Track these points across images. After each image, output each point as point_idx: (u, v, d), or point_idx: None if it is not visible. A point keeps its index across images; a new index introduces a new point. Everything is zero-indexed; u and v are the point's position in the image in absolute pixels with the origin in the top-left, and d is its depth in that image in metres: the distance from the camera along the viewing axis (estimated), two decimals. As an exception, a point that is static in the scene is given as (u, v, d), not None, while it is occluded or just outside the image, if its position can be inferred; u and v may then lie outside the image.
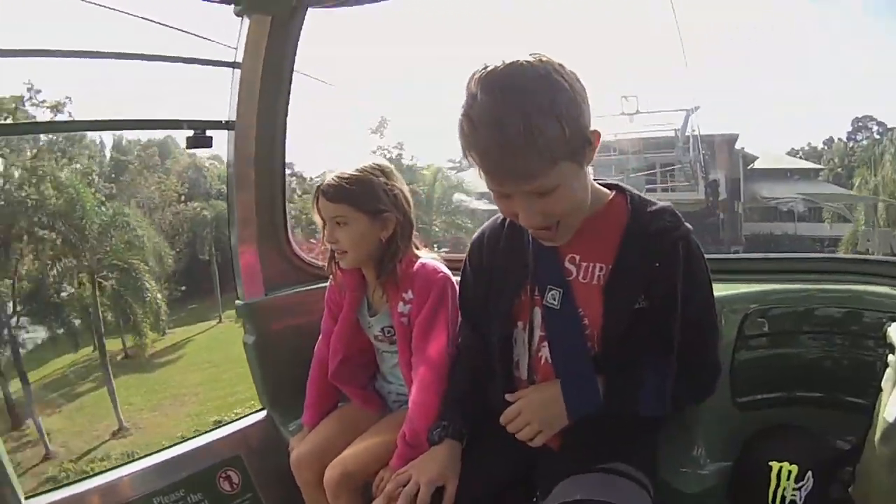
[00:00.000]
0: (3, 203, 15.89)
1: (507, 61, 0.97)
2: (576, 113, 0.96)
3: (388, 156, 19.01)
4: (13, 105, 15.64)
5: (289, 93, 1.87)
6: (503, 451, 1.20)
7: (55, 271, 16.07)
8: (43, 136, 17.28)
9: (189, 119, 1.70)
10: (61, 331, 16.52)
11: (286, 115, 1.89)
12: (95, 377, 16.92)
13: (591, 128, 1.00)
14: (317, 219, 1.50)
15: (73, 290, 16.34)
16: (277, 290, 1.94)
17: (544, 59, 0.97)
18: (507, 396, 1.17)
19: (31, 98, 16.34)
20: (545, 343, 1.17)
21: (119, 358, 17.33)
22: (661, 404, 1.13)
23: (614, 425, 1.13)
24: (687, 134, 17.75)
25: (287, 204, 1.97)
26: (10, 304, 15.78)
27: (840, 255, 1.52)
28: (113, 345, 17.21)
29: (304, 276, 1.99)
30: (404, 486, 1.17)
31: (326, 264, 1.58)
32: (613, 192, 1.16)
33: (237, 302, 1.92)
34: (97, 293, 16.11)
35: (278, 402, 1.88)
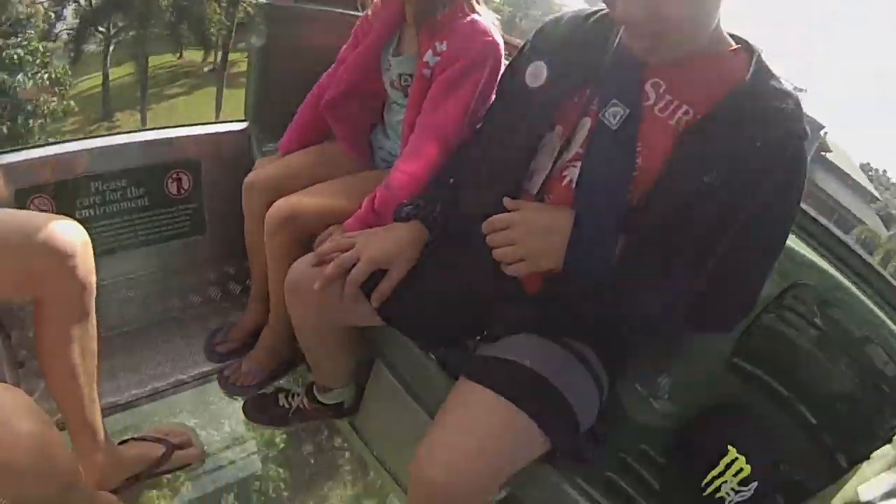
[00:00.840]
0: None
1: None
2: None
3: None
4: None
5: None
6: (471, 263, 0.98)
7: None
8: None
9: None
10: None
11: None
12: (184, 83, 17.54)
13: None
14: None
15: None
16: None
17: None
18: (507, 202, 0.92)
19: None
20: (577, 163, 0.90)
21: (206, 70, 17.77)
22: (671, 313, 0.88)
23: (610, 301, 0.88)
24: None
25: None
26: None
27: None
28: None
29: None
30: (344, 251, 0.99)
31: None
32: (738, 46, 0.87)
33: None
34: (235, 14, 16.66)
35: (262, 118, 1.66)
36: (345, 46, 1.41)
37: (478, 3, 1.24)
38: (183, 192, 1.65)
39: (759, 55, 0.86)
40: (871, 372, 1.11)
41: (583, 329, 0.94)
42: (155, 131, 1.63)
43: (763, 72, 0.85)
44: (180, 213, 1.67)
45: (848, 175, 19.31)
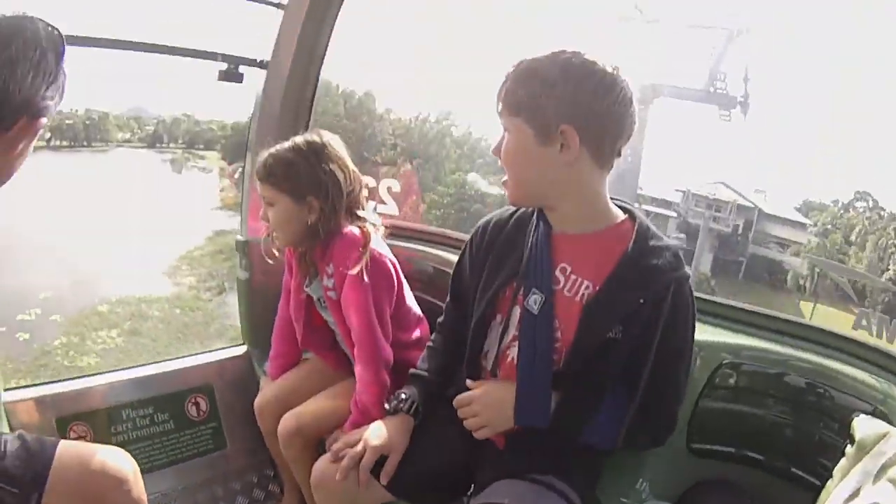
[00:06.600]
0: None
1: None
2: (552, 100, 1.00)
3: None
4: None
5: (328, 42, 1.79)
6: (452, 435, 1.19)
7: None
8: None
9: (224, 52, 1.64)
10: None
11: (321, 64, 1.81)
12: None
13: (566, 126, 1.00)
14: None
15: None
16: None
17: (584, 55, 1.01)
18: (468, 383, 1.17)
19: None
20: (515, 343, 1.14)
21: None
22: (609, 439, 1.11)
23: (559, 440, 1.12)
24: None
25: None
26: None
27: (821, 325, 1.45)
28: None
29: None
30: (352, 446, 1.18)
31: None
32: (625, 217, 1.12)
33: (237, 237, 1.88)
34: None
35: (258, 342, 1.87)
36: (284, 276, 1.61)
37: (358, 208, 1.45)
38: (202, 413, 1.82)
39: (640, 221, 1.10)
40: (801, 399, 1.30)
41: (545, 465, 1.13)
42: (163, 363, 1.84)
43: (643, 235, 1.08)
44: (202, 432, 1.82)
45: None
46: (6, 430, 1.43)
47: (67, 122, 15.37)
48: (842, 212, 15.02)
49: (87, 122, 15.89)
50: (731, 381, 1.34)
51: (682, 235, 14.20)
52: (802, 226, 15.16)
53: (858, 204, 15.00)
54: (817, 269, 13.89)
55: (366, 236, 1.41)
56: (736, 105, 14.47)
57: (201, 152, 16.95)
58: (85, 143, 15.91)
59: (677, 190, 15.25)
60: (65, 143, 15.68)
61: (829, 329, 1.39)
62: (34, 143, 0.95)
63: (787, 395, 1.32)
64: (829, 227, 14.78)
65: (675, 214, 14.94)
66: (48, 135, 14.68)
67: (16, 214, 9.62)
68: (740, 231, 15.12)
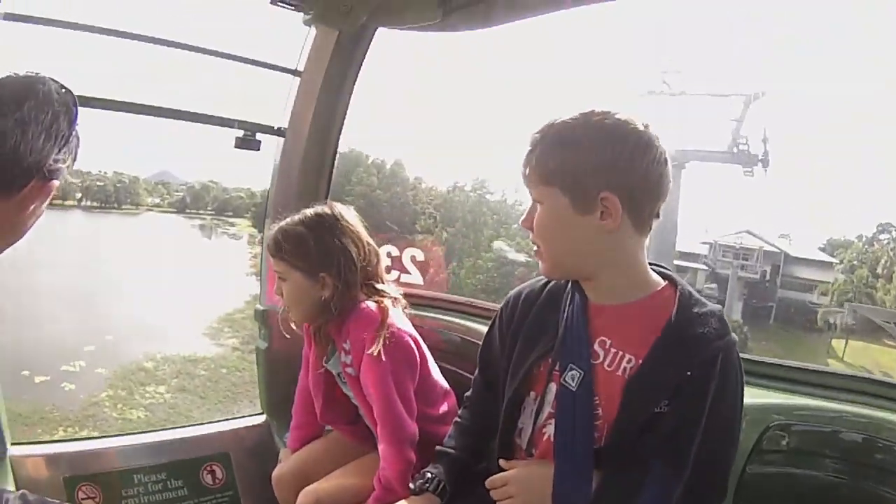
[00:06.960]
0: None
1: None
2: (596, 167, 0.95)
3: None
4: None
5: (346, 108, 1.79)
6: None
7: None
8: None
9: (241, 119, 1.64)
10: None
11: (340, 131, 1.81)
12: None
13: (606, 193, 0.95)
14: None
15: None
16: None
17: (620, 116, 0.96)
18: (502, 463, 1.08)
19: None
20: (552, 421, 1.05)
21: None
22: None
23: None
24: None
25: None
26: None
27: (876, 377, 1.37)
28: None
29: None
30: None
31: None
32: (665, 283, 1.04)
33: (257, 306, 1.85)
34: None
35: (278, 412, 1.80)
36: (304, 348, 1.53)
37: (376, 281, 1.37)
38: (218, 481, 1.74)
39: (682, 288, 1.02)
40: (858, 456, 1.20)
41: None
42: (185, 428, 1.78)
43: (686, 303, 1.00)
44: (218, 500, 1.74)
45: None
46: (11, 486, 1.37)
47: (98, 183, 15.86)
48: (866, 246, 14.80)
49: (118, 185, 16.39)
50: (783, 443, 1.24)
51: (714, 286, 14.38)
52: (829, 265, 15.04)
53: (882, 236, 14.82)
54: (846, 308, 13.66)
55: (383, 312, 1.33)
56: (757, 163, 15.05)
57: (231, 219, 17.39)
58: (115, 206, 16.38)
59: (703, 242, 15.42)
60: (95, 203, 16.13)
61: (882, 379, 1.30)
62: (47, 202, 0.92)
63: (843, 453, 1.21)
64: (855, 262, 14.57)
65: (705, 267, 15.13)
66: (79, 194, 15.18)
67: (54, 270, 9.89)
68: (768, 277, 15.14)
